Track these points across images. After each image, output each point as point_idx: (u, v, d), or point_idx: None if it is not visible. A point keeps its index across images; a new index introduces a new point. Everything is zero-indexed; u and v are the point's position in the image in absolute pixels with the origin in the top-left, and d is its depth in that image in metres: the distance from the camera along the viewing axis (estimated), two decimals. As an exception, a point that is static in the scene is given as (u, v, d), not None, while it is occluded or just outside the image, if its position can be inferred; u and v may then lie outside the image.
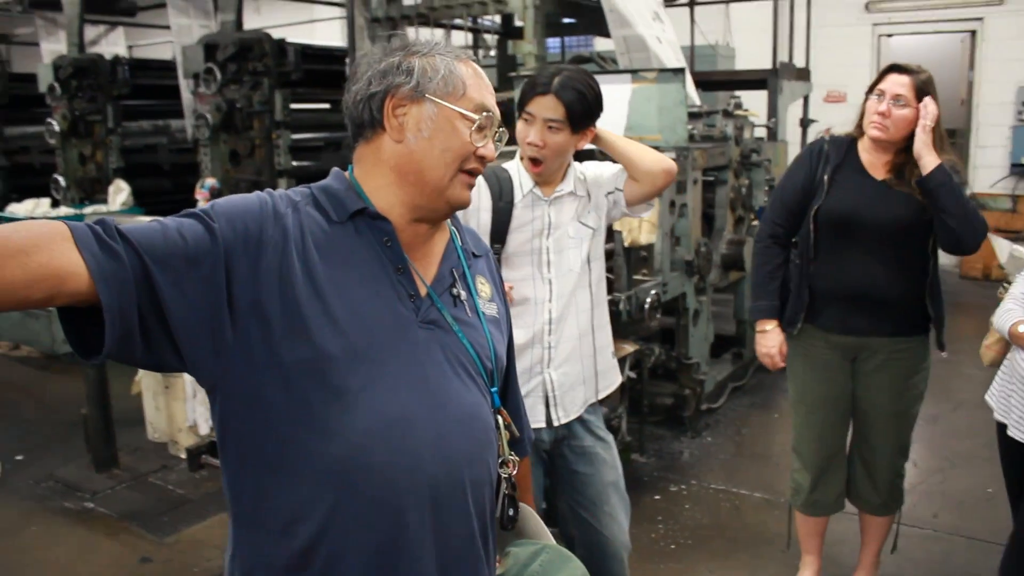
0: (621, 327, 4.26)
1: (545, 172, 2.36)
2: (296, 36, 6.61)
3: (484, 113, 1.37)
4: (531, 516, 1.64)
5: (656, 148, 4.33)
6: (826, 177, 2.79)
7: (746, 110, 5.24)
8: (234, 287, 1.22)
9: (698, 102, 5.26)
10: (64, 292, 1.08)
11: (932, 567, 3.42)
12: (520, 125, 2.35)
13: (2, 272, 1.02)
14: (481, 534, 1.41)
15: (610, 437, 2.56)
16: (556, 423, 2.43)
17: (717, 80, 6.29)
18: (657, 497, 4.05)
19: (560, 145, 2.31)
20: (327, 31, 11.08)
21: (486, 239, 2.38)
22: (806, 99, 6.61)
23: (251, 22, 7.16)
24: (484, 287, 1.51)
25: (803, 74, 6.26)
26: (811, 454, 3.01)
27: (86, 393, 4.35)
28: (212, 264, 1.20)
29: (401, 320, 1.33)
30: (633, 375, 4.23)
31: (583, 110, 2.29)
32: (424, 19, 5.42)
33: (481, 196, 2.38)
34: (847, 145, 2.82)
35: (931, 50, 9.04)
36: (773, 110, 5.64)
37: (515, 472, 1.48)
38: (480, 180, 2.39)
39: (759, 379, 5.61)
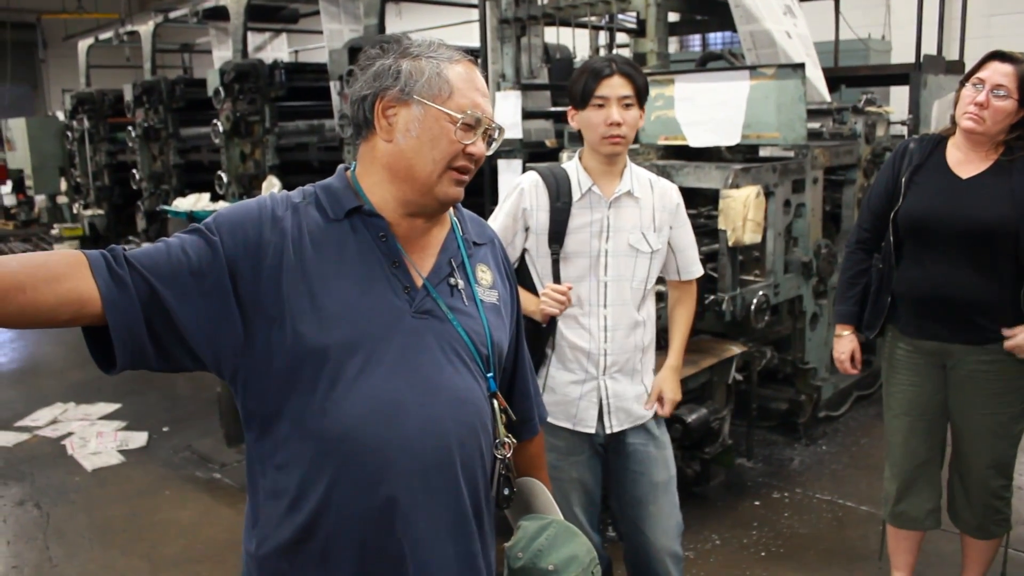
0: (726, 328, 4.19)
1: (622, 145, 2.37)
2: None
3: (470, 112, 1.41)
4: (541, 492, 1.69)
5: (774, 145, 4.33)
6: (903, 179, 2.66)
7: (880, 106, 4.98)
8: (240, 290, 1.34)
9: (827, 98, 5.05)
10: (85, 314, 1.23)
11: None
12: (591, 114, 2.35)
13: (38, 295, 1.18)
14: (475, 512, 1.47)
15: (666, 437, 2.54)
16: (608, 430, 2.46)
17: (855, 75, 5.98)
18: (757, 503, 3.95)
19: (636, 121, 2.37)
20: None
21: (544, 239, 2.42)
22: (960, 94, 6.15)
23: (393, 26, 7.47)
24: (485, 275, 1.56)
25: (955, 67, 5.85)
26: (896, 461, 2.88)
27: (221, 373, 4.73)
28: (217, 274, 1.32)
29: (395, 312, 1.41)
30: (740, 377, 4.14)
31: (644, 85, 2.37)
32: (551, 19, 5.48)
33: (539, 196, 2.42)
34: (933, 144, 2.67)
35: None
36: (914, 106, 5.31)
37: (510, 453, 1.54)
38: (538, 180, 2.45)
39: (889, 389, 5.32)
